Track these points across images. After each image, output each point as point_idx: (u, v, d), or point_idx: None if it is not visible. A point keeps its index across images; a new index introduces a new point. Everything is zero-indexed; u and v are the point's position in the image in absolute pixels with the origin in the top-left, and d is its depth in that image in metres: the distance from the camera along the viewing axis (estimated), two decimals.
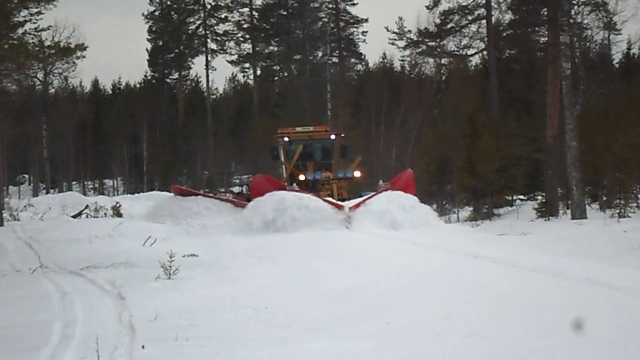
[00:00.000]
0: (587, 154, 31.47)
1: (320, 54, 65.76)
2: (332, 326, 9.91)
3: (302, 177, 26.59)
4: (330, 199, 23.99)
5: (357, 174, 27.32)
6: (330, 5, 68.76)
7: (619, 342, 8.56)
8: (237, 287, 12.84)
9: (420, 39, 49.86)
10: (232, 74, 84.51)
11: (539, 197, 37.38)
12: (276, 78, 73.92)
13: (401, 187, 24.68)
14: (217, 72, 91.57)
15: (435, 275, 13.57)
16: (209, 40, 72.68)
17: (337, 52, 68.07)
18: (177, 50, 73.80)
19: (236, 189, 32.08)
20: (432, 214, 25.08)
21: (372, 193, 24.53)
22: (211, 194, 28.84)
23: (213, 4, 72.88)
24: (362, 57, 70.98)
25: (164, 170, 64.98)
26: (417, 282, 12.84)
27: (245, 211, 23.51)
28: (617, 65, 57.22)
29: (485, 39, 46.29)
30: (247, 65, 73.80)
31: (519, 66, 49.56)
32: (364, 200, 23.12)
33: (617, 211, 27.94)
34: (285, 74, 70.56)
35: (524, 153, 38.01)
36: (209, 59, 72.16)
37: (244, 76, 79.39)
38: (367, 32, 69.41)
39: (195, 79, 79.32)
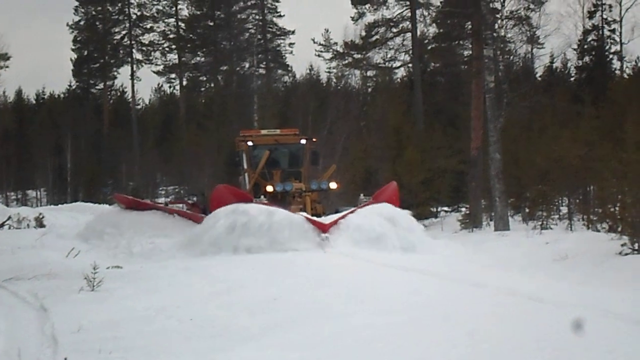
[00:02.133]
0: (510, 166, 31.95)
1: (247, 65, 65.66)
2: (261, 335, 9.87)
3: (269, 188, 23.33)
4: (304, 214, 20.94)
5: (332, 185, 24.22)
6: (257, 17, 68.63)
7: (527, 348, 8.62)
8: (162, 298, 12.73)
9: (346, 51, 50.22)
10: (158, 84, 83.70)
11: (463, 209, 37.82)
12: (203, 89, 73.53)
13: (385, 201, 22.00)
14: (142, 83, 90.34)
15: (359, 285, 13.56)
16: (134, 51, 72.19)
17: (264, 63, 67.97)
18: (102, 60, 73.06)
19: (190, 200, 29.74)
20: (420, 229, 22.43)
21: (352, 208, 21.77)
22: (161, 205, 26.08)
23: (139, 14, 72.45)
24: (289, 68, 71.01)
25: (88, 181, 64.18)
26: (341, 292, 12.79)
27: (199, 227, 20.67)
28: (540, 79, 58.14)
29: (411, 52, 46.81)
30: (173, 75, 73.38)
31: (443, 79, 50.28)
32: (343, 216, 20.32)
33: (540, 223, 28.38)
34: (212, 84, 70.27)
35: (448, 165, 38.40)
36: (134, 69, 71.70)
37: (170, 87, 78.88)
38: (294, 43, 69.42)
39: (121, 89, 78.62)
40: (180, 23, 72.12)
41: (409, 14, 46.20)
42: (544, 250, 20.04)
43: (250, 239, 19.08)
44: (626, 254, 20.09)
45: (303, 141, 25.62)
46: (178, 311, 11.66)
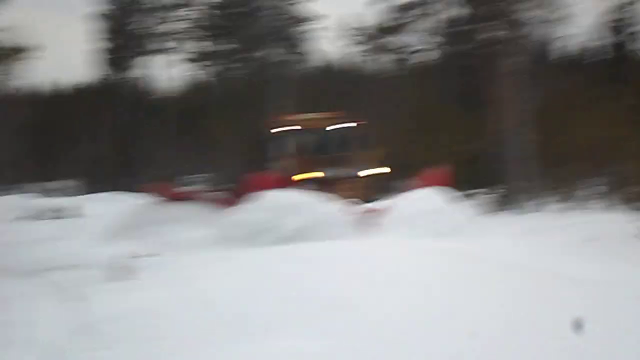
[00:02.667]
0: (542, 147, 31.79)
1: (277, 51, 65.58)
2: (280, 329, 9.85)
3: (317, 174, 22.17)
4: (355, 200, 20.41)
5: (383, 169, 23.08)
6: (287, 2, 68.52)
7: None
8: (200, 289, 12.68)
9: (374, 34, 50.19)
10: (189, 73, 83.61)
11: (497, 190, 37.71)
12: (234, 76, 73.35)
13: (436, 184, 20.48)
14: (173, 71, 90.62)
15: None
16: (165, 39, 72.25)
17: (295, 49, 67.72)
18: (134, 50, 73.16)
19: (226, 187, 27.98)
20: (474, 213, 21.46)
21: (402, 193, 20.60)
22: (201, 194, 24.85)
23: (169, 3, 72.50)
24: (321, 53, 70.60)
25: (123, 169, 64.51)
26: None
27: (237, 215, 19.30)
28: (566, 60, 57.68)
29: (441, 34, 46.68)
30: (205, 63, 73.29)
31: (475, 61, 50.04)
32: (395, 201, 19.47)
33: (573, 203, 28.24)
34: (244, 72, 70.15)
35: (481, 147, 38.25)
36: (165, 57, 71.75)
37: (201, 75, 78.59)
38: (326, 28, 69.35)
39: (151, 78, 78.66)
40: (211, 10, 71.82)
41: None
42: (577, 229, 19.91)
43: (294, 228, 17.75)
44: None
45: (351, 124, 24.40)
46: (217, 302, 11.54)
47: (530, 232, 20.73)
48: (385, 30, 48.43)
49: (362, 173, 22.55)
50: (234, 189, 25.49)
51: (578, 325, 7.00)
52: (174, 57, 72.80)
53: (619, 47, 55.04)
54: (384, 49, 51.61)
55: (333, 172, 22.27)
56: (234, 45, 68.49)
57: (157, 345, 9.17)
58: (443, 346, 8.53)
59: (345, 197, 20.46)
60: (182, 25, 71.45)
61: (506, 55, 32.41)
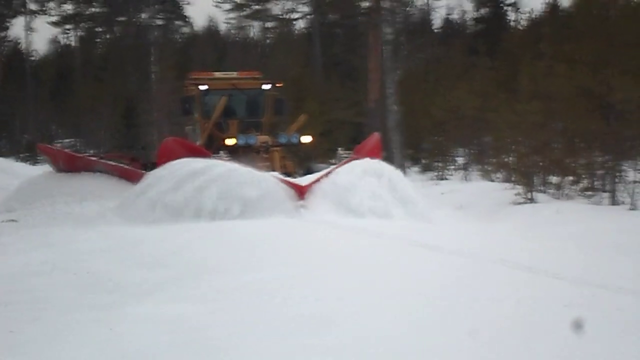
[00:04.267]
0: (407, 117, 32.33)
1: (144, 15, 64.65)
2: (157, 290, 9.81)
3: (230, 141, 19.25)
4: (275, 173, 17.02)
5: (306, 138, 20.25)
6: None
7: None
8: (58, 252, 12.54)
9: (245, 2, 49.91)
10: (54, 35, 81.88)
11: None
12: (99, 40, 72.21)
13: (367, 155, 17.90)
14: (37, 34, 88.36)
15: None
16: (28, 1, 70.36)
17: (162, 14, 67.02)
18: None
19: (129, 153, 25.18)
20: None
21: (333, 166, 17.85)
22: (104, 162, 21.48)
23: None
24: (188, 19, 70.21)
25: None
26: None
27: (139, 185, 16.91)
28: (436, 31, 58.75)
29: (309, 4, 46.77)
30: (68, 26, 71.88)
31: (342, 31, 50.34)
32: (324, 175, 16.53)
33: (436, 174, 28.86)
34: (109, 36, 69.07)
35: (347, 117, 38.63)
36: (29, 20, 69.95)
37: (66, 38, 77.19)
38: None
39: (15, 40, 76.61)
40: None
41: None
42: (440, 199, 20.42)
43: (206, 203, 15.39)
44: (519, 204, 20.63)
45: (266, 86, 21.56)
46: (75, 265, 11.44)
47: None
48: None
49: (281, 141, 19.95)
50: (138, 157, 23.91)
51: (578, 326, 7.11)
52: (40, 19, 71.23)
53: (490, 18, 56.29)
54: (255, 16, 51.37)
55: (248, 140, 19.41)
56: (102, 9, 67.28)
57: (17, 310, 8.93)
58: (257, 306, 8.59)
59: (263, 169, 17.59)
60: None
61: (374, 26, 32.65)
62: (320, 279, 9.79)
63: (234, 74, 22.39)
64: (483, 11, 57.25)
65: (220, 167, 16.05)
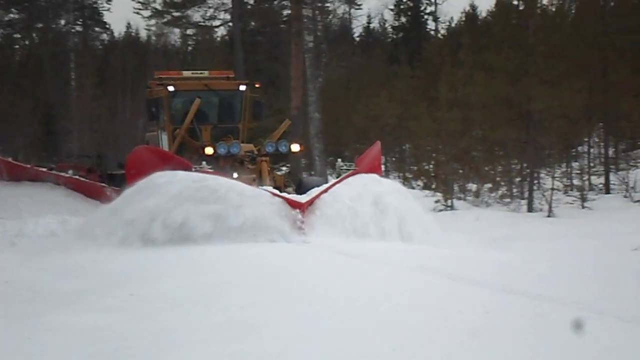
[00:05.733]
0: (329, 125, 32.46)
1: (63, 22, 63.77)
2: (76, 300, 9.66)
3: (209, 150, 16.67)
4: (268, 188, 14.73)
5: (295, 147, 18.01)
6: None
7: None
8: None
9: (164, 9, 49.49)
10: None
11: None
12: (17, 47, 70.97)
13: (368, 168, 16.02)
14: None
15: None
16: None
17: (81, 20, 66.16)
18: None
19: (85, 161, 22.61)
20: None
21: (333, 181, 15.44)
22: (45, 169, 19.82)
23: None
24: (107, 26, 69.39)
25: None
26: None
27: (111, 205, 14.51)
28: (357, 39, 59.12)
29: (231, 11, 46.56)
30: None
31: (264, 38, 50.28)
32: (324, 191, 14.51)
33: None
34: (27, 42, 67.96)
35: (269, 124, 38.55)
36: None
37: None
38: (111, 0, 67.95)
39: None
40: None
41: None
42: None
43: (194, 224, 13.06)
44: (439, 211, 20.87)
45: (242, 87, 19.30)
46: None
47: None
48: (176, 4, 47.76)
49: (268, 149, 17.59)
50: (95, 169, 21.25)
51: (578, 325, 7.13)
52: None
53: (410, 26, 56.82)
54: (175, 23, 50.97)
55: (231, 149, 16.96)
56: (19, 15, 66.14)
57: None
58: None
59: (250, 182, 15.42)
60: None
61: (296, 34, 32.72)
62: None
63: (205, 73, 20.01)
64: (403, 19, 57.82)
65: (223, 186, 13.59)
